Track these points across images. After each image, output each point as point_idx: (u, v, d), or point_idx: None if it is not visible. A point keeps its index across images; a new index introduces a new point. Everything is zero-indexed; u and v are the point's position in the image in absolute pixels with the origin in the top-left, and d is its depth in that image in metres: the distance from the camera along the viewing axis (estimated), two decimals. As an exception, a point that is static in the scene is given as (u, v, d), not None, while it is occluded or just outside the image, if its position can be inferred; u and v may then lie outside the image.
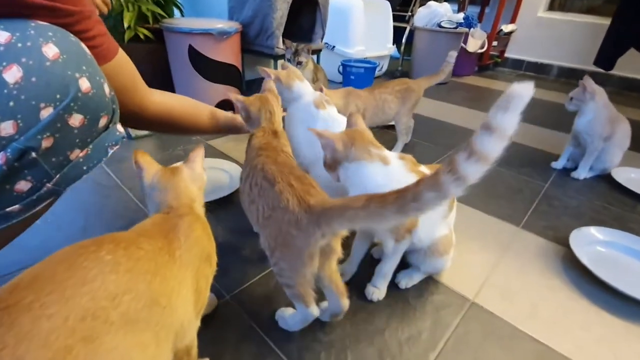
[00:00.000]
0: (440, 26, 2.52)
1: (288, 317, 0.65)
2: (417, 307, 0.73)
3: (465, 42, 2.70)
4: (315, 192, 0.56)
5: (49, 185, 0.46)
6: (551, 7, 3.21)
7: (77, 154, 0.47)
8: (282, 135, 0.72)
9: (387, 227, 0.67)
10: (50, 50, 0.42)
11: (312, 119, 0.90)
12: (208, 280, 0.51)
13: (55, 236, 0.87)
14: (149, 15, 1.58)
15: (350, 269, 0.78)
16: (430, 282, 0.80)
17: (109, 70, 0.54)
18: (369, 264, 0.80)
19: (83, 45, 0.47)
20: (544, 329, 0.70)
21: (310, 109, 0.91)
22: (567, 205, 1.16)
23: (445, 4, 2.71)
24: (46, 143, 0.42)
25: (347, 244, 0.59)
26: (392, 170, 0.64)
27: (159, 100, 0.72)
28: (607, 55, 2.01)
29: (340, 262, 0.63)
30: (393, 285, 0.77)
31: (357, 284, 0.76)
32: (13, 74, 0.39)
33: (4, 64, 0.39)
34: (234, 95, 0.75)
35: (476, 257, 0.89)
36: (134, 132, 1.40)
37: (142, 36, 1.58)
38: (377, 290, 0.74)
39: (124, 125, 0.71)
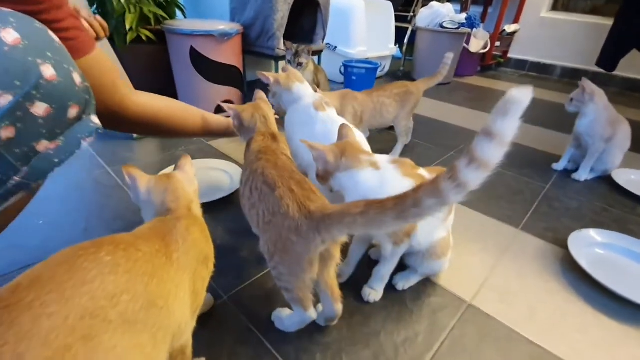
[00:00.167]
0: (442, 27, 2.52)
1: (285, 318, 0.66)
2: (413, 310, 0.73)
3: (467, 42, 2.69)
4: (315, 197, 0.56)
5: (16, 178, 0.44)
6: (554, 8, 3.19)
7: (45, 145, 0.45)
8: (281, 139, 0.72)
9: (386, 232, 0.67)
10: (10, 36, 0.40)
11: (311, 121, 0.90)
12: (205, 282, 0.52)
13: (56, 236, 0.88)
14: (151, 17, 1.59)
15: (348, 270, 0.79)
16: (427, 284, 0.80)
17: (85, 65, 0.53)
18: (367, 265, 0.80)
19: (51, 33, 0.46)
20: (541, 332, 0.70)
21: (310, 110, 0.91)
22: (568, 207, 1.16)
23: (448, 4, 2.70)
24: (7, 133, 0.40)
25: (345, 245, 0.60)
26: (384, 174, 0.64)
27: (142, 101, 0.71)
28: (610, 56, 2.00)
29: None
30: (390, 287, 0.77)
31: (354, 285, 0.77)
32: None
33: None
34: (226, 104, 0.76)
35: (474, 259, 0.89)
36: (135, 133, 1.41)
37: (144, 38, 1.59)
38: (374, 292, 0.74)
39: (106, 127, 0.71)
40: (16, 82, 0.40)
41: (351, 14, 2.26)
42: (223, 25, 1.56)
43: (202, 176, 1.17)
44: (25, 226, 0.90)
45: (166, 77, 1.67)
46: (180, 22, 1.62)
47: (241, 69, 1.72)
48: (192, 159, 1.35)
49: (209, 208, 0.99)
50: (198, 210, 0.58)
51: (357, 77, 2.03)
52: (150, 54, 1.66)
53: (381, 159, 0.67)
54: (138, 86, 1.55)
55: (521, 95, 0.35)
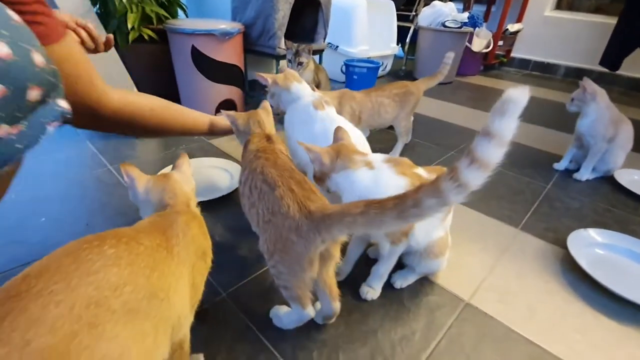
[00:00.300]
0: (444, 25, 2.51)
1: (283, 315, 0.66)
2: (411, 308, 0.73)
3: (470, 41, 2.68)
4: (315, 197, 0.56)
5: None
6: (558, 6, 3.17)
7: (5, 130, 0.42)
8: (276, 140, 0.73)
9: (386, 232, 0.67)
10: None
11: (311, 120, 0.91)
12: (203, 276, 0.53)
13: (58, 233, 0.89)
14: (152, 17, 1.60)
15: (346, 269, 0.79)
16: (425, 283, 0.80)
17: (58, 54, 0.52)
18: (365, 264, 0.80)
19: (9, 11, 0.43)
20: (540, 332, 0.70)
21: (309, 109, 0.91)
22: (569, 207, 1.15)
23: (450, 3, 2.69)
24: None
25: (344, 244, 0.60)
26: (379, 174, 0.65)
27: (120, 98, 0.69)
28: (613, 55, 1.99)
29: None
30: (388, 286, 0.77)
31: (352, 283, 0.77)
32: None
33: None
34: (224, 112, 0.80)
35: (474, 259, 0.89)
36: (137, 132, 1.42)
37: (146, 37, 1.60)
38: (372, 290, 0.74)
39: (85, 127, 0.68)
40: None
41: (353, 13, 2.26)
42: (224, 25, 1.56)
43: (203, 174, 1.18)
44: (27, 223, 0.91)
45: (168, 76, 1.68)
46: (182, 22, 1.63)
47: (242, 68, 1.73)
48: (193, 157, 1.36)
49: (209, 206, 1.00)
50: (195, 208, 0.58)
51: (359, 76, 2.03)
52: (152, 53, 1.67)
53: (376, 158, 0.67)
54: (140, 85, 1.55)
55: (518, 95, 0.35)
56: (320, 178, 0.68)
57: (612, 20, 2.23)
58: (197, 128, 0.89)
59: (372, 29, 2.38)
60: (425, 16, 2.63)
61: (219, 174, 1.19)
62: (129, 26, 1.51)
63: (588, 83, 1.22)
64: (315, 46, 1.80)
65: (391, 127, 1.44)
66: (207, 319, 0.67)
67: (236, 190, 1.08)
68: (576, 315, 0.75)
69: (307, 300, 0.61)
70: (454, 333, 0.69)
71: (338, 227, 0.51)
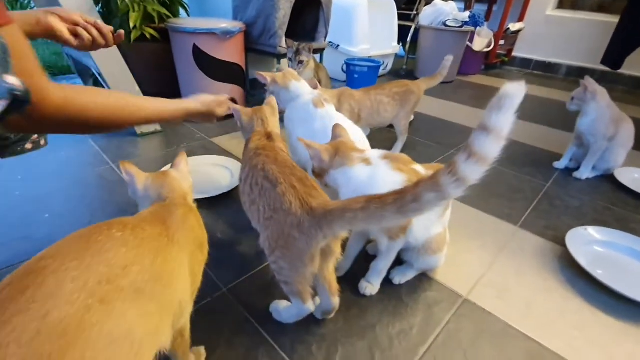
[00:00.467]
0: (445, 25, 2.51)
1: (282, 310, 0.67)
2: (409, 303, 0.74)
3: (471, 40, 2.68)
4: (317, 194, 0.57)
5: None
6: (560, 5, 3.16)
7: None
8: (277, 139, 0.73)
9: (386, 227, 0.68)
10: None
11: (310, 118, 0.91)
12: (201, 266, 0.55)
13: (62, 229, 0.90)
14: (154, 16, 1.61)
15: (345, 264, 0.80)
16: (424, 279, 0.81)
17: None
18: (364, 260, 0.81)
19: None
20: (537, 328, 0.71)
21: (309, 107, 0.92)
22: (569, 205, 1.15)
23: (451, 2, 2.69)
24: None
25: (344, 240, 0.61)
26: (375, 169, 0.66)
27: (64, 95, 0.59)
28: (615, 54, 1.99)
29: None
30: (387, 282, 0.78)
31: (352, 279, 0.77)
32: None
33: None
34: (233, 105, 0.80)
35: (472, 256, 0.89)
36: (139, 129, 1.44)
37: (148, 36, 1.62)
38: (371, 286, 0.75)
39: (26, 130, 0.63)
40: None
41: (354, 12, 2.27)
42: (226, 24, 1.57)
43: (204, 172, 1.19)
44: (31, 220, 0.93)
45: (170, 74, 1.69)
46: (184, 21, 1.64)
47: (243, 67, 1.74)
48: (195, 155, 1.37)
49: (210, 203, 1.01)
50: (192, 203, 0.60)
51: (360, 75, 2.03)
52: (154, 52, 1.69)
53: (373, 154, 0.68)
54: (142, 83, 1.56)
55: (515, 90, 0.36)
56: (319, 174, 0.70)
57: (615, 19, 2.22)
58: (162, 118, 0.80)
59: (373, 28, 2.39)
60: (426, 15, 2.63)
61: (220, 171, 1.20)
62: (131, 25, 1.52)
63: (589, 82, 1.22)
64: (316, 45, 1.81)
65: (391, 126, 1.44)
66: (208, 314, 0.68)
67: (237, 187, 1.08)
68: (574, 311, 0.76)
69: (307, 295, 0.61)
70: (451, 328, 0.69)
71: (339, 223, 0.52)
